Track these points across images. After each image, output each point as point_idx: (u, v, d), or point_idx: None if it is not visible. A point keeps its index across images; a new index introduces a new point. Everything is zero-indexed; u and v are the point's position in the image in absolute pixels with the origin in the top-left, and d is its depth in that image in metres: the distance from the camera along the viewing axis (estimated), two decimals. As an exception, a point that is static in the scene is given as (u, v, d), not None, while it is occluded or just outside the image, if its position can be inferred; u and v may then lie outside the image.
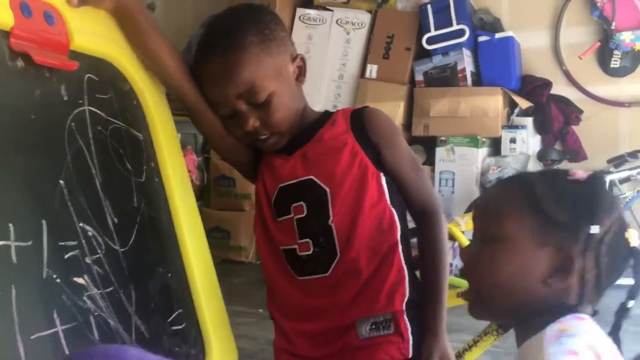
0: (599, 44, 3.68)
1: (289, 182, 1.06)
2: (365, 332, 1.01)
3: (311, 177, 1.05)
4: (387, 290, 1.02)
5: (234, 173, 4.09)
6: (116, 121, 0.93)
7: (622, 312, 0.77)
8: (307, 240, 1.04)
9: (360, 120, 1.08)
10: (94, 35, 0.89)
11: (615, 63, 3.69)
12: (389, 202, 1.05)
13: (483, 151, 3.69)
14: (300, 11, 4.03)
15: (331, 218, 1.03)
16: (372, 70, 3.87)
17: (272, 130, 1.04)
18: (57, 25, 0.82)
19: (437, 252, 1.06)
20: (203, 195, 4.29)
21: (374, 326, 1.02)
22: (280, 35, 1.06)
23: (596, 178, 0.79)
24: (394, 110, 3.80)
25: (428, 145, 3.82)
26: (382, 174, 1.05)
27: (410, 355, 1.01)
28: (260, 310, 3.02)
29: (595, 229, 0.74)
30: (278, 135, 1.05)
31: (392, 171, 1.07)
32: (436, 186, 3.73)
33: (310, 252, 1.04)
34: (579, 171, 0.79)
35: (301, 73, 1.09)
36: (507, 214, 0.78)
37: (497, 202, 0.82)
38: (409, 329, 1.02)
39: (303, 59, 1.09)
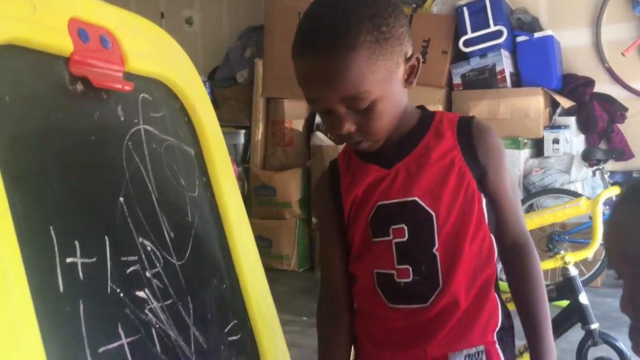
0: (642, 39, 3.59)
1: (390, 201, 0.96)
2: None
3: (415, 198, 0.94)
4: (483, 323, 0.96)
5: (273, 182, 4.13)
6: (169, 138, 0.95)
7: None
8: (407, 266, 0.96)
9: (468, 135, 0.96)
10: (146, 56, 0.92)
11: (660, 58, 3.59)
12: (488, 228, 0.97)
13: (525, 153, 3.64)
14: (335, 19, 4.05)
15: (436, 246, 0.94)
16: (409, 75, 3.86)
17: (369, 137, 0.93)
18: (112, 49, 0.85)
19: (537, 288, 0.99)
20: (244, 205, 4.34)
21: (467, 359, 0.96)
22: (398, 32, 0.89)
23: None
24: (432, 115, 3.78)
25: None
26: (483, 196, 0.96)
27: None
28: (305, 318, 3.04)
29: None
30: (373, 141, 0.94)
31: (493, 195, 0.97)
32: (478, 189, 3.69)
33: (409, 280, 0.95)
34: None
35: (412, 73, 0.94)
36: None
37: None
38: (501, 357, 0.97)
39: (418, 59, 0.94)
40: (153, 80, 0.95)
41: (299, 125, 4.16)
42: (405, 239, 0.96)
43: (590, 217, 2.06)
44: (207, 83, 4.58)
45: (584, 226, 3.10)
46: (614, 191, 1.80)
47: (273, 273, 4.00)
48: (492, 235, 0.98)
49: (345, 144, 1.04)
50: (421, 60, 0.96)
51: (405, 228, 0.96)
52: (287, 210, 4.16)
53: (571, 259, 1.67)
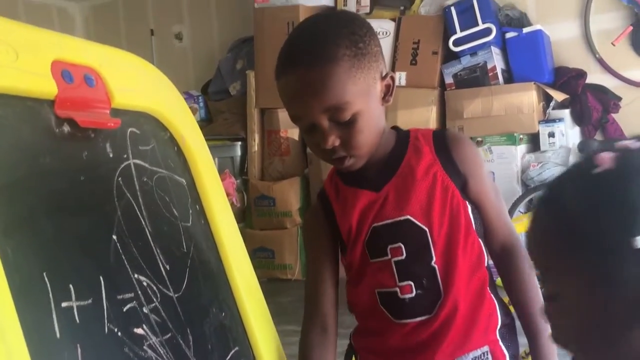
0: (631, 28, 3.59)
1: (384, 222, 1.00)
2: None
3: (408, 216, 0.98)
4: (483, 324, 1.00)
5: (272, 192, 4.14)
6: (160, 169, 0.96)
7: None
8: (409, 282, 0.99)
9: (445, 148, 1.01)
10: (132, 91, 0.93)
11: (650, 46, 3.60)
12: (476, 233, 1.00)
13: (521, 148, 3.64)
14: (324, 26, 4.06)
15: (434, 259, 0.98)
16: (401, 77, 3.86)
17: (351, 152, 0.96)
18: (97, 87, 0.85)
19: (530, 288, 1.01)
20: (245, 216, 4.35)
21: None
22: (373, 50, 0.96)
23: (628, 157, 0.56)
24: (426, 115, 3.79)
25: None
26: (467, 203, 1.00)
27: None
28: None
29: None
30: (356, 157, 0.97)
31: (477, 201, 1.01)
32: (476, 187, 3.69)
33: (413, 295, 0.99)
34: (605, 155, 0.57)
35: (388, 92, 0.99)
36: (557, 269, 0.60)
37: (540, 252, 0.64)
38: (506, 354, 1.01)
39: (393, 78, 1.00)
40: (140, 113, 0.95)
41: (294, 134, 4.17)
42: (403, 257, 1.00)
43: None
44: (200, 97, 4.59)
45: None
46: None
47: (277, 283, 4.00)
48: (480, 239, 1.02)
49: (329, 172, 1.08)
50: (395, 79, 1.02)
51: (402, 246, 1.00)
52: (288, 219, 4.16)
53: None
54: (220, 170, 4.43)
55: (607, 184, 0.55)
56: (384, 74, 0.98)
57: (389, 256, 1.00)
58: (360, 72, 0.93)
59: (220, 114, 4.51)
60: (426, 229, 0.98)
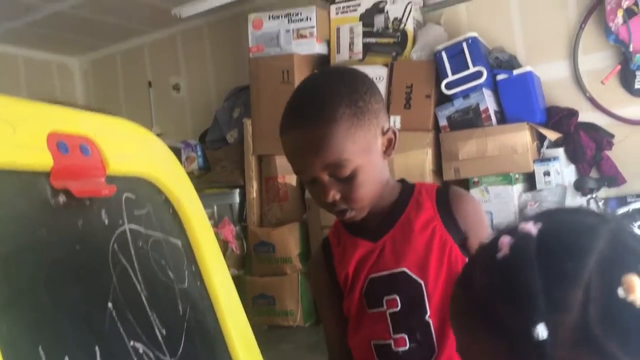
0: (619, 67, 3.66)
1: (380, 274, 1.01)
2: None
3: (404, 269, 1.00)
4: None
5: (272, 238, 4.13)
6: (155, 233, 0.97)
7: None
8: (403, 335, 1.00)
9: (447, 204, 1.02)
10: (127, 157, 0.95)
11: (639, 83, 3.65)
12: None
13: (518, 188, 3.66)
14: (318, 74, 4.13)
15: (428, 313, 0.99)
16: (395, 121, 3.91)
17: (352, 205, 0.99)
18: (92, 155, 0.87)
19: None
20: (245, 263, 4.33)
21: None
22: (374, 107, 0.99)
23: (523, 245, 0.55)
24: (422, 158, 3.82)
25: (462, 188, 3.80)
26: (467, 258, 1.00)
27: None
28: (314, 376, 3.00)
29: (541, 332, 0.50)
30: (357, 210, 1.00)
31: None
32: (475, 228, 3.70)
33: (406, 348, 1.00)
34: (504, 240, 0.56)
35: (390, 146, 1.02)
36: (471, 349, 0.59)
37: (456, 330, 0.63)
38: None
39: (395, 132, 1.02)
40: (136, 178, 0.97)
41: (292, 180, 4.19)
42: (398, 309, 1.00)
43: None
44: (198, 146, 4.63)
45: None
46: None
47: (279, 331, 3.96)
48: None
49: (334, 221, 1.10)
50: (397, 133, 1.04)
51: (398, 298, 1.00)
52: (288, 265, 4.14)
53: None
54: (220, 218, 4.45)
55: (506, 271, 0.55)
56: (385, 129, 1.01)
57: (385, 307, 1.01)
58: (360, 129, 0.96)
59: (218, 162, 4.55)
60: (421, 283, 0.99)
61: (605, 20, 3.60)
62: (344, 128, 0.95)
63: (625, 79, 3.68)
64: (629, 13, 3.53)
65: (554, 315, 0.50)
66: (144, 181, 0.98)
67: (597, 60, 3.76)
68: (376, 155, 1.00)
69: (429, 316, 0.99)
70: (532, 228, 0.56)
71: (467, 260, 0.98)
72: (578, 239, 0.54)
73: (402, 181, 1.09)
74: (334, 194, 0.97)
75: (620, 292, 0.50)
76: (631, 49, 3.53)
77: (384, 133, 1.01)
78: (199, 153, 4.61)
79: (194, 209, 1.07)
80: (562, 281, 0.51)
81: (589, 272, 0.51)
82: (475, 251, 0.64)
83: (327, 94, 0.98)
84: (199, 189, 3.93)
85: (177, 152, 4.73)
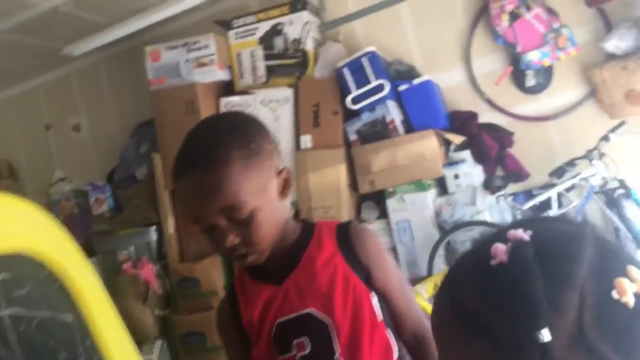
0: (511, 67, 3.84)
1: (287, 317, 0.99)
2: None
3: (309, 310, 0.98)
4: None
5: (195, 273, 4.02)
6: (40, 312, 0.89)
7: None
8: None
9: (347, 239, 1.02)
10: (3, 234, 0.87)
11: (530, 82, 3.85)
12: (383, 324, 1.00)
13: (432, 193, 3.75)
14: (224, 101, 4.08)
15: (337, 353, 0.97)
16: (306, 140, 3.92)
17: (252, 248, 0.97)
18: (-45, 241, 0.79)
19: None
20: (169, 302, 4.18)
21: None
22: (266, 148, 0.99)
23: (521, 250, 0.55)
24: (337, 174, 3.84)
25: (378, 199, 3.86)
26: (372, 293, 1.00)
27: None
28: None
29: (545, 335, 0.50)
30: (258, 253, 0.98)
31: (383, 291, 1.01)
32: (395, 237, 3.76)
33: None
34: (499, 247, 0.56)
35: (286, 186, 1.03)
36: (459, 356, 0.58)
37: (440, 342, 0.62)
38: None
39: (289, 172, 1.03)
40: (12, 255, 0.89)
41: (209, 210, 4.10)
42: (307, 351, 0.99)
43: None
44: (106, 187, 4.45)
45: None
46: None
47: (212, 368, 3.83)
48: (389, 331, 1.01)
49: (238, 268, 1.07)
50: (292, 174, 1.05)
51: (307, 341, 0.99)
52: (215, 298, 4.03)
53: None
54: (138, 258, 4.27)
55: (506, 277, 0.54)
56: (280, 169, 1.02)
57: (294, 351, 0.99)
58: (253, 171, 0.96)
59: (130, 200, 4.38)
60: (328, 322, 0.98)
61: (492, 24, 3.78)
62: (237, 170, 0.94)
63: (518, 79, 3.87)
64: (513, 16, 3.72)
65: (554, 318, 0.51)
66: (23, 257, 0.90)
67: (489, 63, 3.93)
68: (272, 196, 1.00)
69: (339, 355, 0.98)
70: (523, 235, 0.57)
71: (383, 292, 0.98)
72: (569, 246, 0.56)
73: (303, 221, 1.09)
74: (233, 239, 0.95)
75: (614, 294, 0.52)
76: (519, 49, 3.71)
77: (278, 173, 1.02)
78: (108, 194, 4.42)
79: (85, 279, 1.00)
80: (560, 286, 0.53)
81: (582, 277, 0.53)
82: (457, 262, 0.63)
83: (218, 137, 0.97)
84: (112, 231, 3.78)
85: (84, 195, 4.51)
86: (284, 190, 1.02)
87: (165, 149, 4.06)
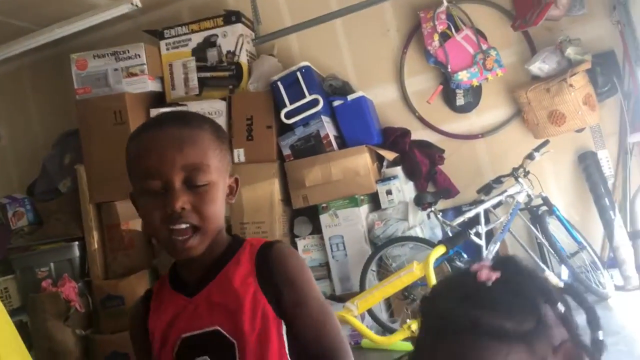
0: (441, 87, 3.93)
1: (193, 333, 0.95)
2: None
3: (217, 327, 0.93)
4: None
5: (120, 290, 3.85)
6: None
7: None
8: None
9: (266, 260, 0.97)
10: None
11: (460, 100, 3.95)
12: (287, 354, 0.95)
13: (364, 209, 3.76)
14: (153, 112, 3.96)
15: None
16: (239, 154, 3.86)
17: (200, 222, 0.92)
18: None
19: None
20: (92, 322, 3.98)
21: None
22: (228, 146, 1.04)
23: (507, 263, 0.66)
24: (269, 189, 3.80)
25: (311, 214, 3.83)
26: (282, 322, 0.95)
27: None
28: None
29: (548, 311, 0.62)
30: (201, 235, 0.93)
31: (292, 315, 0.95)
32: (328, 252, 3.74)
33: None
34: (485, 271, 0.66)
35: (232, 192, 1.03)
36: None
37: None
38: None
39: (237, 180, 1.05)
40: None
41: (137, 225, 3.95)
42: None
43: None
44: (26, 199, 4.22)
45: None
46: (440, 250, 1.88)
47: (137, 390, 3.67)
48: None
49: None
50: (240, 181, 1.06)
51: None
52: (141, 316, 3.88)
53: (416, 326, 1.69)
54: (59, 276, 4.05)
55: (507, 288, 0.63)
56: (231, 173, 1.04)
57: None
58: (219, 151, 0.99)
59: (51, 214, 4.16)
60: (234, 342, 0.93)
61: (424, 44, 3.86)
62: (209, 138, 0.97)
63: (448, 98, 3.96)
64: (444, 36, 3.82)
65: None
66: None
67: (421, 81, 4.01)
68: (224, 189, 1.00)
69: None
70: (489, 270, 0.65)
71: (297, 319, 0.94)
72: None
73: (234, 237, 1.05)
74: (184, 202, 0.92)
75: None
76: (449, 69, 3.81)
77: (230, 175, 1.03)
78: (28, 207, 4.19)
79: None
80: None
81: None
82: (437, 290, 0.70)
83: (192, 113, 1.04)
84: (31, 247, 3.56)
85: (2, 208, 4.26)
86: (230, 194, 1.03)
87: (91, 161, 3.89)
